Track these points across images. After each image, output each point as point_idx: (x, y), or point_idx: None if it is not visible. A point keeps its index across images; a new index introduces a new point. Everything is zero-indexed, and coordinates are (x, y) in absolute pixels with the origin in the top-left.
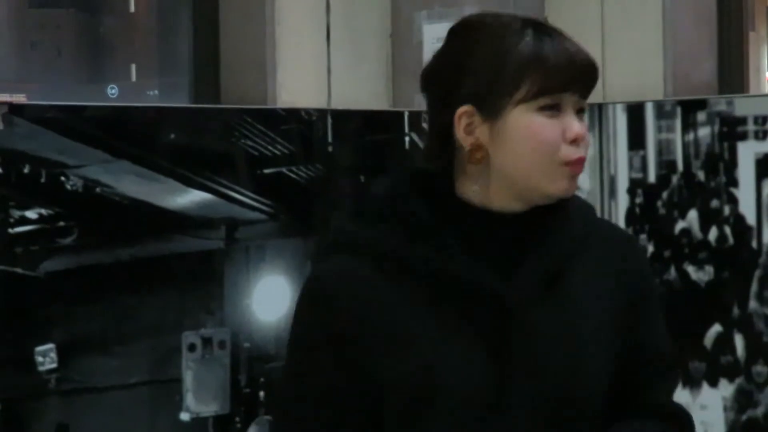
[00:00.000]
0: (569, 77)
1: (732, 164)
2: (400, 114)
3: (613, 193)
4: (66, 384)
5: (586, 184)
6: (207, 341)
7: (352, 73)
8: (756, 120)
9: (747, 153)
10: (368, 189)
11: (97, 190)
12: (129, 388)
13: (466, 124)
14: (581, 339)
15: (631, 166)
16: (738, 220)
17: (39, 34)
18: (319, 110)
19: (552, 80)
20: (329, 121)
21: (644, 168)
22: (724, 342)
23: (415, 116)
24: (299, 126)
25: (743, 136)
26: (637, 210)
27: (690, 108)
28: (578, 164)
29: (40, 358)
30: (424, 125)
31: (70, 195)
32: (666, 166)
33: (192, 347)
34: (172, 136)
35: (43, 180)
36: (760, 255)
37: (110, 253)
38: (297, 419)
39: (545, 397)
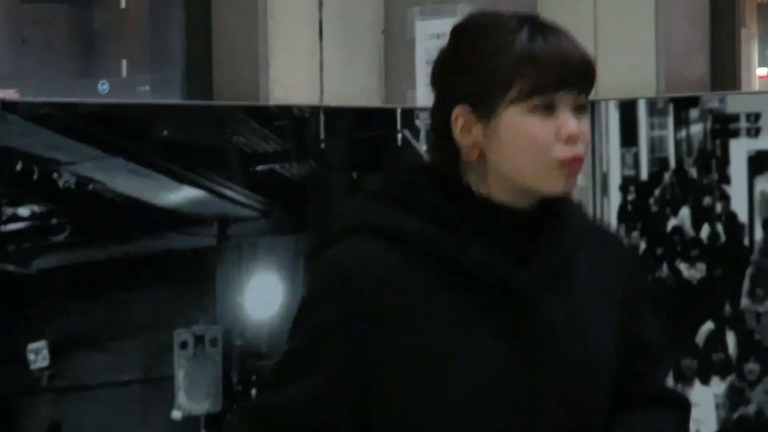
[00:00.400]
0: (561, 77)
1: (724, 161)
2: (393, 111)
3: (605, 190)
4: (58, 381)
5: (579, 181)
6: (199, 339)
7: (345, 69)
8: (748, 117)
9: (739, 150)
10: (361, 185)
11: (90, 186)
12: (121, 386)
13: (463, 124)
14: (590, 329)
15: (623, 163)
16: (730, 217)
17: (31, 29)
18: (312, 107)
19: (543, 80)
20: (322, 117)
21: (637, 165)
22: (716, 339)
23: (407, 113)
24: (292, 123)
25: (735, 134)
26: (630, 207)
27: (682, 105)
28: (574, 163)
29: (32, 356)
30: (417, 122)
31: (62, 192)
32: (658, 163)
33: (184, 345)
34: (165, 132)
35: (35, 177)
36: (752, 252)
37: (103, 250)
38: (294, 405)
39: (563, 382)
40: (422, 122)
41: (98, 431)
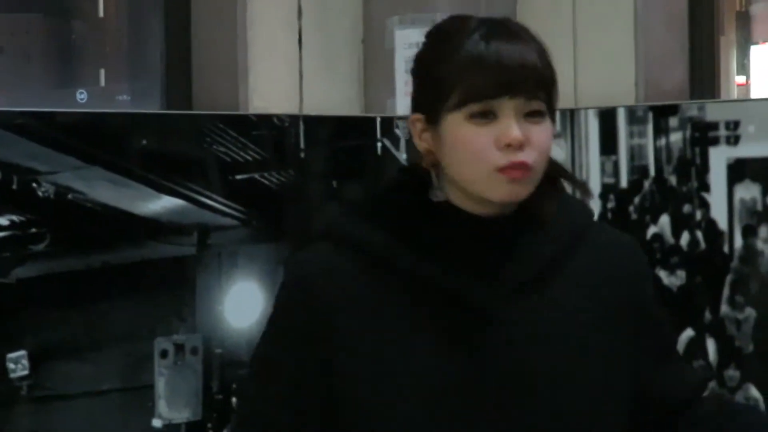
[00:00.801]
0: (498, 83)
1: (704, 169)
2: (372, 120)
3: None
4: (38, 391)
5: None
6: (179, 347)
7: (325, 78)
8: (727, 125)
9: (718, 158)
10: (341, 194)
11: (69, 196)
12: (101, 395)
13: (420, 131)
14: (563, 345)
15: (603, 172)
16: (710, 225)
17: (8, 39)
18: (292, 116)
19: (478, 88)
20: (301, 126)
21: (616, 173)
22: (697, 346)
23: (387, 122)
24: (271, 132)
25: (715, 142)
26: (609, 215)
27: (662, 113)
28: (514, 169)
29: (11, 365)
30: (396, 131)
31: (41, 201)
32: (638, 171)
33: (164, 353)
34: (144, 142)
35: (14, 186)
36: (732, 260)
37: (82, 259)
38: (261, 410)
39: (512, 401)
40: (402, 131)
41: None
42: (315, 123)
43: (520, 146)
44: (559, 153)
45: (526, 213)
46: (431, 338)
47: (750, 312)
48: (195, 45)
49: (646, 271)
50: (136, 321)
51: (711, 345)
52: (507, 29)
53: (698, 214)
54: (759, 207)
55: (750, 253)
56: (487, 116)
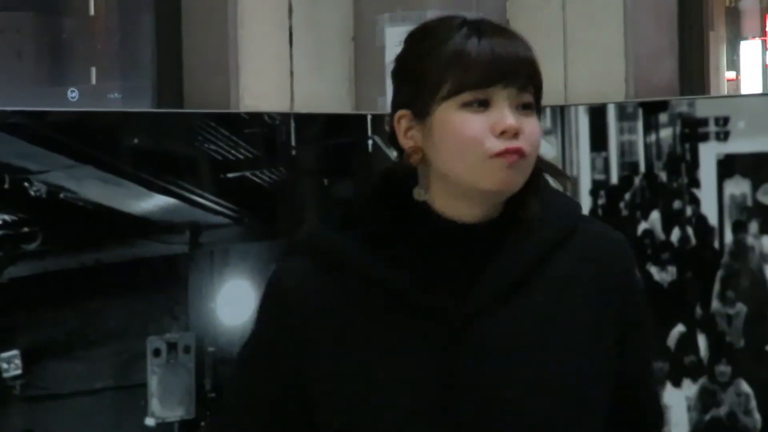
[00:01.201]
0: (491, 72)
1: (694, 165)
2: (363, 117)
3: (576, 194)
4: (31, 390)
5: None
6: (172, 346)
7: (315, 76)
8: (717, 121)
9: (708, 154)
10: (332, 192)
11: (61, 195)
12: (94, 394)
13: (406, 128)
14: (541, 353)
15: (593, 168)
16: (700, 220)
17: None
18: (282, 114)
19: (472, 75)
20: (292, 124)
21: (607, 169)
22: (688, 342)
23: (377, 119)
24: (262, 130)
25: (705, 138)
26: (600, 211)
27: (652, 110)
28: (509, 154)
29: (4, 365)
30: (387, 128)
31: (33, 200)
32: (628, 167)
33: (157, 352)
34: (136, 140)
35: (6, 186)
36: (722, 255)
37: (74, 258)
38: (235, 416)
39: (491, 416)
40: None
41: None
42: (306, 121)
43: (515, 134)
44: (550, 150)
45: (510, 214)
46: (405, 351)
47: (741, 307)
48: (186, 43)
49: (635, 274)
50: (128, 319)
51: (702, 340)
52: (494, 25)
53: (688, 210)
54: (749, 202)
55: (740, 248)
56: (482, 104)
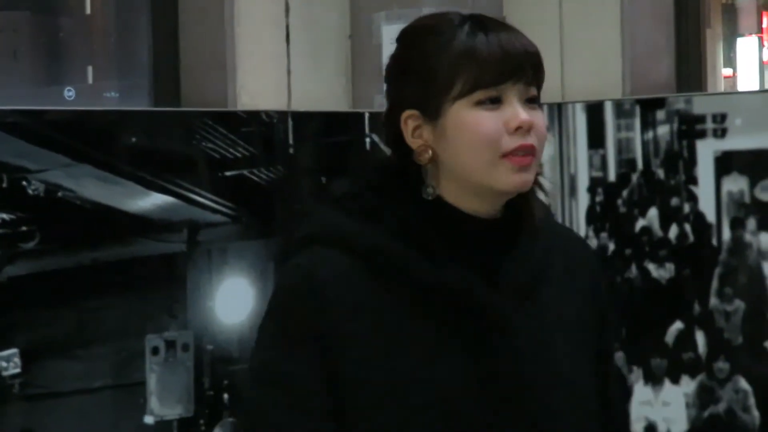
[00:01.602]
0: (503, 68)
1: (691, 162)
2: (361, 115)
3: (573, 191)
4: (30, 389)
5: (546, 183)
6: (170, 344)
7: (312, 74)
8: (714, 118)
9: (706, 151)
10: (330, 190)
11: (59, 194)
12: (93, 392)
13: (414, 128)
14: (558, 350)
15: (591, 165)
16: (698, 217)
17: None
18: (280, 112)
19: (485, 73)
20: (290, 122)
21: (604, 167)
22: (686, 339)
23: (375, 117)
24: (260, 128)
25: (702, 134)
26: (598, 208)
27: (649, 107)
28: (521, 155)
29: (3, 363)
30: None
31: (31, 199)
32: (626, 164)
33: (155, 350)
34: (133, 139)
35: (4, 185)
36: (720, 252)
37: (72, 257)
38: (276, 420)
39: (528, 407)
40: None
41: None
42: (303, 119)
43: (528, 129)
44: (547, 147)
45: (515, 212)
46: (438, 341)
47: (739, 304)
48: (183, 42)
49: (601, 267)
50: (126, 318)
51: (700, 337)
52: (494, 21)
53: (686, 207)
54: (747, 199)
55: (738, 245)
56: (494, 101)
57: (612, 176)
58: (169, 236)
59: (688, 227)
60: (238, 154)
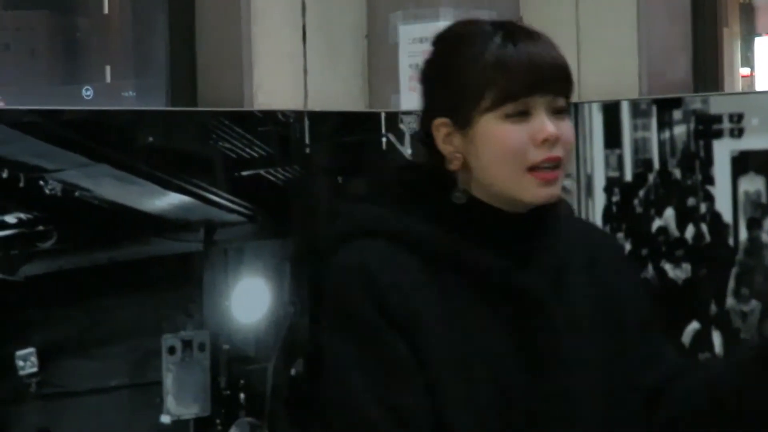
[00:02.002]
0: (531, 81)
1: (708, 162)
2: (377, 115)
3: (589, 191)
4: (47, 388)
5: (563, 186)
6: (187, 344)
7: (329, 74)
8: (731, 118)
9: (722, 151)
10: (346, 189)
11: (76, 193)
12: (109, 392)
13: (445, 134)
14: (587, 331)
15: (607, 165)
16: (714, 217)
17: (13, 36)
18: (296, 112)
19: (514, 87)
20: (306, 122)
21: (621, 166)
22: (702, 339)
23: (391, 117)
24: (276, 128)
25: (719, 134)
26: (614, 208)
27: (665, 106)
28: (547, 170)
29: (20, 363)
30: (401, 126)
31: (48, 199)
32: (642, 164)
33: (172, 350)
34: (150, 139)
35: (21, 184)
36: (737, 252)
37: (89, 256)
38: (380, 398)
39: (569, 386)
40: (406, 126)
41: None
42: (320, 119)
43: (555, 142)
44: None
45: (542, 208)
46: (489, 320)
47: (755, 304)
48: (199, 41)
49: (623, 253)
50: (143, 317)
51: (717, 338)
52: (524, 30)
53: (703, 207)
54: (763, 199)
55: (755, 245)
56: (522, 114)
57: (628, 176)
58: (185, 236)
59: (704, 227)
60: (255, 154)
